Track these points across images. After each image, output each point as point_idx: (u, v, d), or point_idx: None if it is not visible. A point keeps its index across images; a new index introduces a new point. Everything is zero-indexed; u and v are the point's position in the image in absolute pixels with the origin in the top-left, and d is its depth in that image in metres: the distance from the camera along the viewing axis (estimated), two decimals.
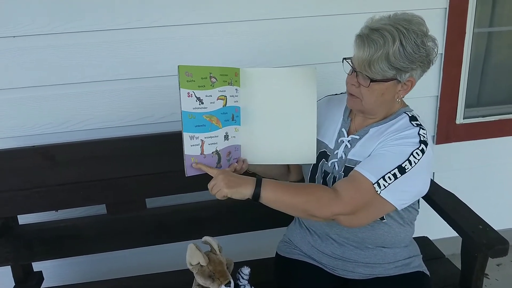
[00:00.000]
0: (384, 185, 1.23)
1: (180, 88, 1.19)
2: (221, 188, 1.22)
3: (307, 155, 1.41)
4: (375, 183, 1.23)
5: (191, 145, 1.24)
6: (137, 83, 1.84)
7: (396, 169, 1.23)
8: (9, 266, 1.78)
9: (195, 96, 1.22)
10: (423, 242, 1.82)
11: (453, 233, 1.63)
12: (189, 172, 1.25)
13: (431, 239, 1.92)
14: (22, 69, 1.73)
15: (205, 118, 1.25)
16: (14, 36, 1.69)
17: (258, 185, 1.23)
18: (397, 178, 1.23)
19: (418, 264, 1.48)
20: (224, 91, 1.30)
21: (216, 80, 1.27)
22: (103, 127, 1.86)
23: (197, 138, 1.24)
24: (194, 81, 1.21)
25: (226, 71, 1.30)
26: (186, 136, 1.22)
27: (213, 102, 1.27)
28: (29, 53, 1.72)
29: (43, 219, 1.83)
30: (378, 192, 1.23)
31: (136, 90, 1.85)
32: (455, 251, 1.86)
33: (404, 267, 1.44)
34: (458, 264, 1.68)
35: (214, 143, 1.29)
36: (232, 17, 1.82)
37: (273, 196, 1.24)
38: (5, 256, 1.73)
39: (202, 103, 1.24)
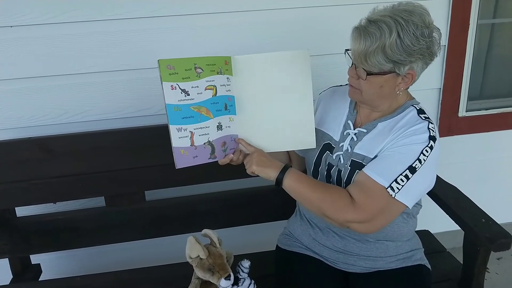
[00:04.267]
0: (397, 188, 1.22)
1: (162, 82, 1.18)
2: (251, 164, 1.30)
3: (306, 140, 1.38)
4: (388, 187, 1.22)
5: (179, 137, 1.22)
6: (136, 74, 1.82)
7: (408, 170, 1.22)
8: (7, 259, 1.77)
9: (180, 88, 1.21)
10: (425, 236, 1.81)
11: (454, 227, 1.62)
12: (179, 164, 1.23)
13: (432, 232, 1.90)
14: (19, 60, 1.71)
15: (193, 109, 1.24)
16: (11, 26, 1.66)
17: (282, 171, 1.29)
18: (409, 178, 1.22)
19: (419, 258, 1.47)
20: (213, 80, 1.28)
21: (202, 70, 1.25)
22: (101, 118, 1.85)
23: (185, 129, 1.23)
24: (177, 73, 1.20)
25: (214, 60, 1.28)
26: (172, 128, 1.21)
27: (201, 93, 1.25)
28: (26, 43, 1.69)
29: (41, 211, 1.82)
30: (393, 196, 1.22)
31: (135, 82, 1.83)
32: (456, 245, 1.85)
33: (406, 260, 1.43)
34: (459, 257, 1.67)
35: (205, 134, 1.27)
36: (231, 8, 1.80)
37: (293, 185, 1.29)
38: (2, 249, 1.73)
39: (188, 95, 1.23)
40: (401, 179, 1.22)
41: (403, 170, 1.22)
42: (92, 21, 1.71)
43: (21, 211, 1.77)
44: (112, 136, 1.72)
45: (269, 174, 1.29)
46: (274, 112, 1.37)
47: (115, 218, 1.78)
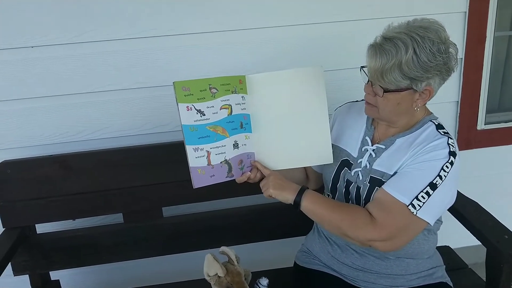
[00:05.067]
0: (419, 205, 1.20)
1: (178, 103, 1.20)
2: (268, 188, 1.30)
3: (323, 156, 1.38)
4: (409, 204, 1.21)
5: (196, 157, 1.23)
6: (153, 92, 1.84)
7: (428, 187, 1.21)
8: (27, 275, 1.78)
9: (195, 109, 1.23)
10: (445, 252, 1.78)
11: (474, 242, 1.58)
12: (196, 184, 1.24)
13: (452, 248, 1.87)
14: (39, 79, 1.74)
15: (209, 129, 1.25)
16: (32, 47, 1.70)
17: (299, 193, 1.29)
18: (430, 195, 1.20)
19: (441, 275, 1.44)
20: (228, 100, 1.29)
21: (217, 90, 1.26)
22: (119, 135, 1.87)
23: (202, 149, 1.24)
24: (192, 94, 1.22)
25: (228, 80, 1.29)
26: (189, 148, 1.22)
27: (216, 113, 1.27)
28: (45, 63, 1.73)
29: (61, 228, 1.84)
30: (415, 213, 1.21)
31: (152, 99, 1.85)
32: (477, 260, 1.81)
33: (427, 277, 1.41)
34: (480, 272, 1.63)
35: (222, 153, 1.28)
36: (245, 25, 1.82)
37: (311, 207, 1.28)
38: (23, 265, 1.74)
39: (204, 115, 1.24)
40: (422, 196, 1.20)
41: (424, 187, 1.20)
42: (109, 40, 1.74)
43: (41, 228, 1.79)
44: (130, 153, 1.74)
45: (287, 197, 1.30)
46: (290, 129, 1.37)
47: (133, 235, 1.79)
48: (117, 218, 1.82)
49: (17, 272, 1.75)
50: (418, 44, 1.15)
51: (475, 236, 1.57)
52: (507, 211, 1.86)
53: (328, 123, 1.36)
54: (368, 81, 1.27)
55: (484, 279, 1.57)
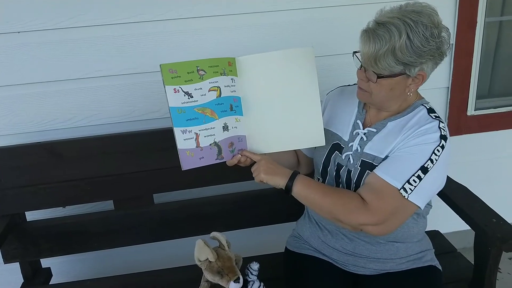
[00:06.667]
0: (410, 189, 1.21)
1: (165, 85, 1.19)
2: (259, 173, 1.29)
3: (315, 138, 1.37)
4: (401, 188, 1.21)
5: (184, 139, 1.23)
6: (142, 78, 1.82)
7: (420, 171, 1.21)
8: (18, 263, 1.78)
9: (183, 91, 1.22)
10: (434, 236, 1.80)
11: (463, 227, 1.60)
12: (185, 166, 1.24)
13: (442, 232, 1.89)
14: (26, 65, 1.72)
15: (197, 111, 1.25)
16: (18, 32, 1.68)
17: (291, 178, 1.28)
18: (421, 179, 1.21)
19: (430, 258, 1.45)
20: (216, 82, 1.28)
21: (205, 72, 1.26)
22: (109, 122, 1.85)
23: (190, 131, 1.24)
24: (179, 76, 1.21)
25: (217, 62, 1.28)
26: (177, 131, 1.22)
27: (204, 95, 1.26)
28: (33, 48, 1.70)
29: (51, 215, 1.83)
30: (406, 197, 1.22)
31: (142, 85, 1.83)
32: (467, 245, 1.83)
33: (416, 261, 1.42)
34: (470, 257, 1.66)
35: (211, 135, 1.28)
36: (236, 10, 1.80)
37: (303, 192, 1.28)
38: (13, 253, 1.74)
39: (192, 97, 1.24)
40: (413, 180, 1.21)
41: (415, 171, 1.21)
42: (98, 25, 1.72)
43: (31, 216, 1.79)
44: (120, 139, 1.73)
45: (278, 182, 1.29)
46: (281, 111, 1.35)
47: (123, 222, 1.79)
48: (107, 205, 1.82)
49: (7, 260, 1.74)
50: (411, 29, 1.14)
51: (463, 220, 1.59)
52: (495, 195, 1.88)
53: (320, 104, 1.35)
54: (361, 67, 1.26)
55: (473, 262, 1.59)
